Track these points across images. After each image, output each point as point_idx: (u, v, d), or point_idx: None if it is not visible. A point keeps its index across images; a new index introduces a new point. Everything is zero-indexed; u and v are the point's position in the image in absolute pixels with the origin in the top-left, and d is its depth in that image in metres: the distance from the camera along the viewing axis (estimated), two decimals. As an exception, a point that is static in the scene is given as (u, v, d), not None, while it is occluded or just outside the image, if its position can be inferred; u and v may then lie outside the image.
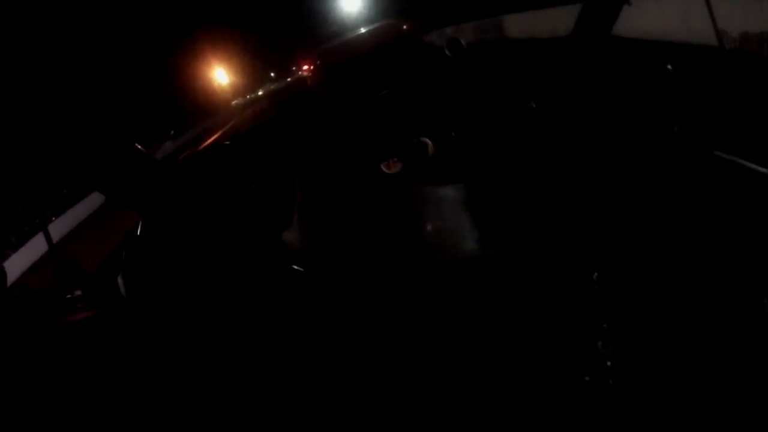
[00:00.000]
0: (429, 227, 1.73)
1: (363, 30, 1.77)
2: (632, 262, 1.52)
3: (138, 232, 1.54)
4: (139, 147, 1.69)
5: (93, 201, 10.48)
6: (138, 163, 1.66)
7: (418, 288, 1.61)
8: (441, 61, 1.79)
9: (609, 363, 1.39)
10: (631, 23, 1.80)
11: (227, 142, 1.93)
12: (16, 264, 7.34)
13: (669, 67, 1.66)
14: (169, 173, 1.68)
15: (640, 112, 1.73)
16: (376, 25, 1.80)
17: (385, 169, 1.64)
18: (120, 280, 1.44)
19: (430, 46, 1.81)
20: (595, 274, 1.51)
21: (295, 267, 1.47)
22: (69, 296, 1.38)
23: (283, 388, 1.47)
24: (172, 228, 1.53)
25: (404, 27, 1.75)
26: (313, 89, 1.80)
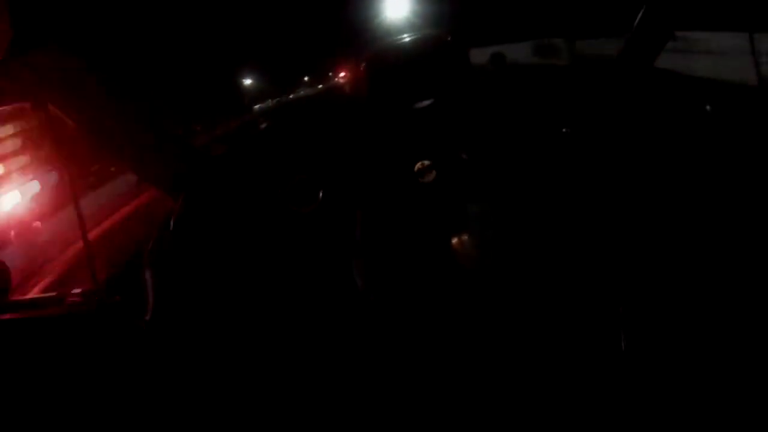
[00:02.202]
0: (457, 238, 1.75)
1: (408, 38, 1.80)
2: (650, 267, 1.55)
3: (169, 225, 1.55)
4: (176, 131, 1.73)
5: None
6: (178, 147, 1.70)
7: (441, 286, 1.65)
8: (483, 75, 1.83)
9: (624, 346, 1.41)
10: (675, 57, 1.82)
11: (265, 140, 1.98)
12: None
13: (708, 107, 1.68)
14: (210, 162, 1.73)
15: (673, 147, 1.74)
16: (421, 33, 1.82)
17: (420, 178, 1.68)
18: (147, 274, 1.44)
19: (473, 60, 1.84)
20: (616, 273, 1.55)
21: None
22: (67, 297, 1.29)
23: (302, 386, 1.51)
24: (206, 218, 1.57)
25: (449, 38, 1.77)
26: (354, 94, 1.83)
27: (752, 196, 1.62)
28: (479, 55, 1.98)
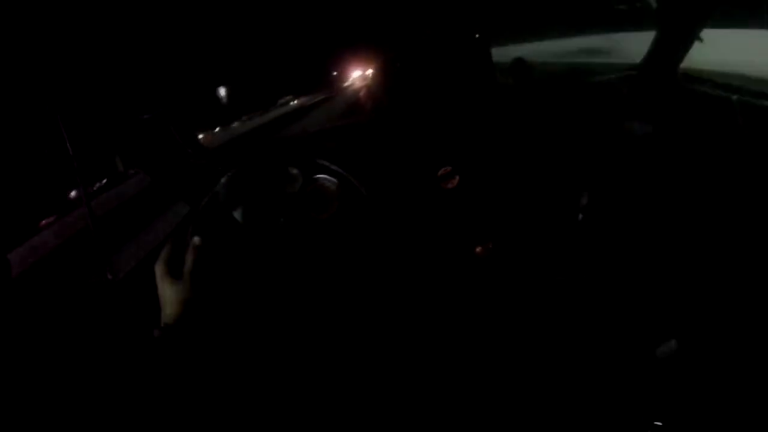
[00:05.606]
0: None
1: (432, 37, 1.78)
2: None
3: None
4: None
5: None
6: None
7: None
8: (506, 77, 1.81)
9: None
10: (700, 56, 1.79)
11: (280, 145, 1.97)
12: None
13: (734, 97, 1.64)
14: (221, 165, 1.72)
15: (702, 156, 1.70)
16: (446, 34, 1.80)
17: (443, 185, 1.67)
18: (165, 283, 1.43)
19: (495, 62, 1.82)
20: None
21: None
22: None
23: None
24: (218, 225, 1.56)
25: (475, 39, 1.75)
26: (374, 95, 1.82)
27: None
28: (499, 55, 1.92)
